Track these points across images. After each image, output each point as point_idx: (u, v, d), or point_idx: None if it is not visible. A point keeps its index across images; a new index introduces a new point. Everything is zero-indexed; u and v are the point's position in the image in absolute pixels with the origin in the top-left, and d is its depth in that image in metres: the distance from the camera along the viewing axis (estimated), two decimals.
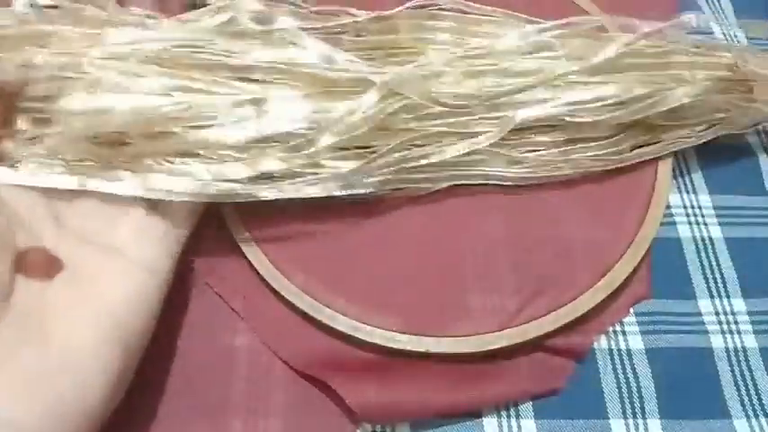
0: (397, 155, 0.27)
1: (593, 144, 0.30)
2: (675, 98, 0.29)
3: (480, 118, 0.29)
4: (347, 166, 0.27)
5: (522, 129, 0.29)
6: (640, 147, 0.31)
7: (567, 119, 0.29)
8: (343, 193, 0.27)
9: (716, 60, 0.30)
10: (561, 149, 0.30)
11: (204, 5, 0.28)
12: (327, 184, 0.27)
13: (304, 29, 0.28)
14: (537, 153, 0.30)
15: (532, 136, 0.30)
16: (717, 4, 0.38)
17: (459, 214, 0.29)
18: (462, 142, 0.28)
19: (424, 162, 0.28)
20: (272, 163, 0.26)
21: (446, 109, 0.28)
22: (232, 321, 0.27)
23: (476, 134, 0.28)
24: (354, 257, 0.28)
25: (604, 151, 0.30)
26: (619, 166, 0.30)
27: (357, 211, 0.29)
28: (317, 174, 0.26)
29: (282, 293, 0.27)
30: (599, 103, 0.29)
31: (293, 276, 0.27)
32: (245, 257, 0.28)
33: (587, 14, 0.35)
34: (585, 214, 0.30)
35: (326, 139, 0.26)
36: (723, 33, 0.37)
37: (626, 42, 0.29)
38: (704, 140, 0.31)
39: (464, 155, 0.28)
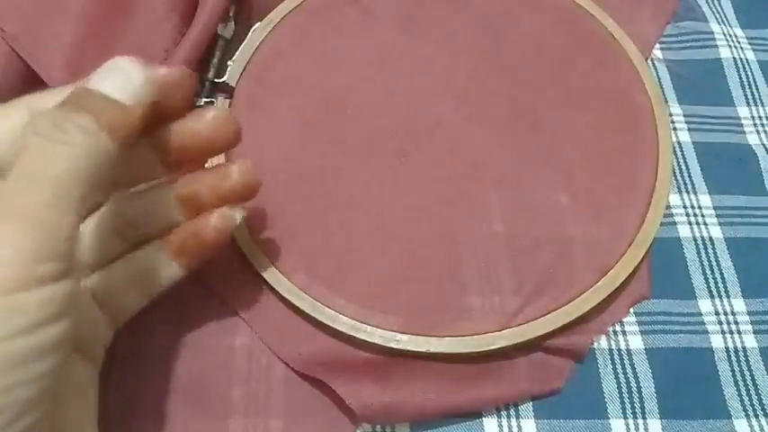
0: None
1: None
2: None
3: None
4: None
5: None
6: None
7: None
8: None
9: None
10: None
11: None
12: None
13: None
14: None
15: None
16: (717, 3, 0.38)
17: (460, 214, 0.29)
18: None
19: None
20: None
21: None
22: (232, 321, 0.27)
23: None
24: (354, 257, 0.28)
25: None
26: None
27: (357, 211, 0.29)
28: None
29: (282, 293, 0.27)
30: None
31: (293, 276, 0.27)
32: (246, 257, 0.28)
33: (587, 13, 0.35)
34: (585, 214, 0.30)
35: None
36: (723, 33, 0.37)
37: None
38: None
39: None
